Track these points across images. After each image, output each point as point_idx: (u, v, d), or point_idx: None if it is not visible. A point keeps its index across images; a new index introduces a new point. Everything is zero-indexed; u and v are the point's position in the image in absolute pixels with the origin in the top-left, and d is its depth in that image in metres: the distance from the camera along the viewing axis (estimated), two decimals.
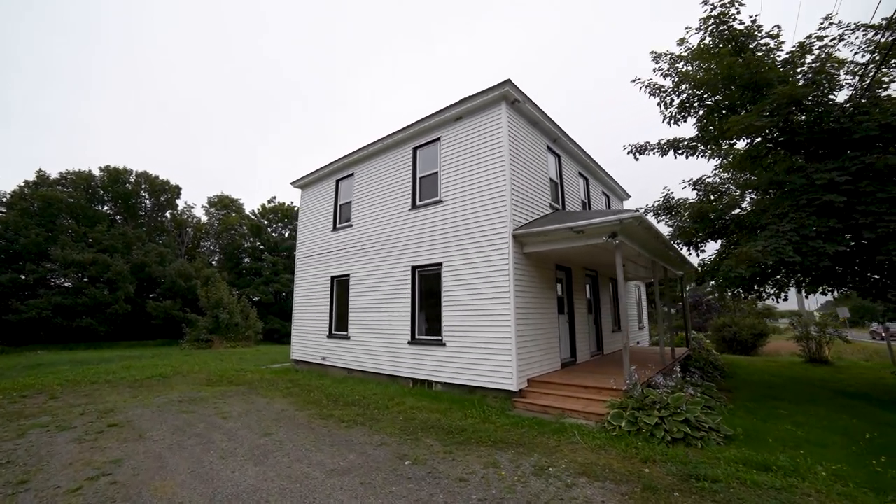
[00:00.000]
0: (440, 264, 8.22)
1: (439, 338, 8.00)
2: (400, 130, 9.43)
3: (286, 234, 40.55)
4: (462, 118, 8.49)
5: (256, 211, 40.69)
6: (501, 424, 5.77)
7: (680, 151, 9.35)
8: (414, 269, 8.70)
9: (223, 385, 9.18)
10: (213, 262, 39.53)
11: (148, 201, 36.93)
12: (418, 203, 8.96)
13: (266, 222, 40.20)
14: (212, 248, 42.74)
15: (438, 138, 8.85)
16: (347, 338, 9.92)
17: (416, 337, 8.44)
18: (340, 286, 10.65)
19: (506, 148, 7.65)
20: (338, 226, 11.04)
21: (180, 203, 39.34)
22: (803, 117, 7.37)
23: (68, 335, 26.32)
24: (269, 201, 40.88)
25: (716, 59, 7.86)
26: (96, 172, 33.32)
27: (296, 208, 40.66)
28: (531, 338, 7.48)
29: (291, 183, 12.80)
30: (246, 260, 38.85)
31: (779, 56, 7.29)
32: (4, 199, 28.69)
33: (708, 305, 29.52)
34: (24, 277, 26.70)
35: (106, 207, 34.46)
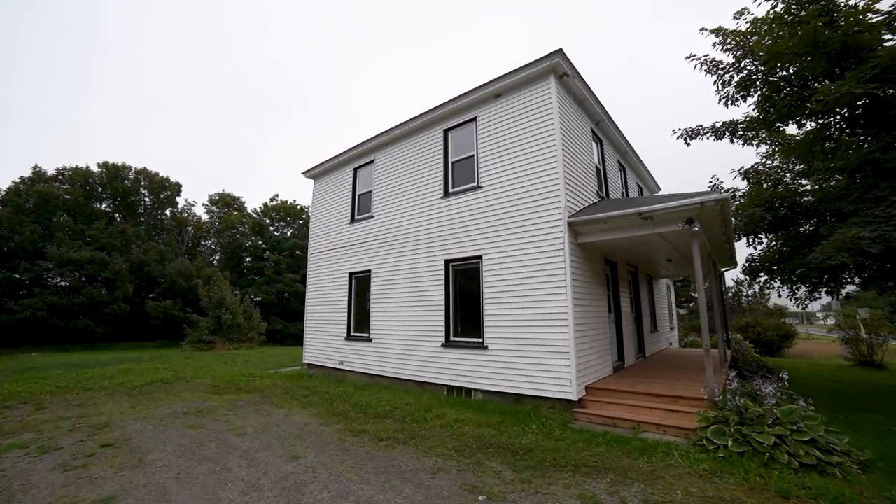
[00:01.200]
0: (479, 257, 7.30)
1: (479, 340, 7.08)
2: (428, 111, 8.51)
3: (288, 233, 39.59)
4: (502, 95, 7.59)
5: (258, 209, 39.71)
6: (572, 442, 4.86)
7: (738, 135, 8.46)
8: (447, 263, 7.78)
9: (232, 393, 8.24)
10: (214, 262, 38.52)
11: (147, 199, 35.96)
12: (451, 190, 8.05)
13: (268, 221, 39.21)
14: (212, 247, 41.76)
15: (474, 118, 7.94)
16: (369, 340, 8.99)
17: (452, 339, 7.51)
18: (360, 283, 9.72)
19: (556, 126, 6.74)
20: (356, 217, 10.11)
21: (180, 201, 38.43)
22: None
23: (64, 336, 25.31)
24: (272, 199, 39.91)
25: (789, 28, 6.98)
26: (94, 169, 32.36)
27: (299, 206, 39.74)
28: (588, 339, 6.57)
29: (303, 173, 11.87)
30: (247, 259, 37.84)
31: (872, 18, 6.39)
32: None
33: (727, 306, 28.57)
34: (18, 276, 25.71)
35: (104, 205, 33.49)
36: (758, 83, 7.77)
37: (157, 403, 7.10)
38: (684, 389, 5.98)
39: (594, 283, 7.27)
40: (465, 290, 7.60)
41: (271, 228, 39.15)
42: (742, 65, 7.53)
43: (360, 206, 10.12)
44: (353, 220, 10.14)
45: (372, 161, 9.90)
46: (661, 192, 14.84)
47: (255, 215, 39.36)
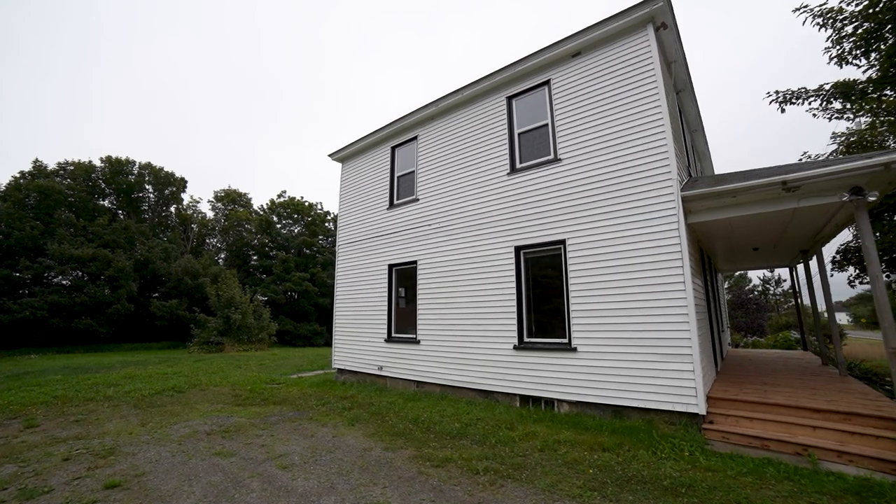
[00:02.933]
0: (561, 242, 6.06)
1: (564, 341, 5.84)
2: (486, 77, 7.30)
3: (296, 231, 38.39)
4: (582, 53, 6.38)
5: (265, 206, 38.54)
6: (734, 473, 3.65)
7: (853, 98, 7.23)
8: (518, 250, 6.55)
9: (257, 404, 7.03)
10: (219, 260, 37.33)
11: (152, 195, 34.78)
12: (519, 166, 6.82)
13: (276, 218, 38.01)
14: (218, 244, 40.57)
15: (547, 81, 6.72)
16: (416, 342, 7.75)
17: (526, 340, 6.27)
18: (402, 276, 8.49)
19: (660, 83, 5.53)
20: (395, 202, 8.89)
21: (185, 197, 37.25)
22: None
23: (66, 337, 24.12)
24: (279, 196, 38.73)
25: None
26: (97, 163, 31.22)
27: (307, 203, 38.63)
28: (702, 339, 5.34)
29: (330, 155, 10.67)
30: (254, 258, 36.65)
31: None
32: None
33: (757, 304, 27.33)
34: (17, 274, 24.52)
35: (107, 201, 32.31)
36: (886, 33, 6.54)
37: (172, 419, 5.88)
38: (845, 402, 4.74)
39: (696, 272, 6.05)
40: (540, 282, 6.37)
41: (278, 226, 37.95)
42: (875, 11, 6.29)
43: (401, 190, 8.89)
44: (391, 205, 8.91)
45: (414, 138, 8.67)
46: None
47: (261, 212, 38.18)
